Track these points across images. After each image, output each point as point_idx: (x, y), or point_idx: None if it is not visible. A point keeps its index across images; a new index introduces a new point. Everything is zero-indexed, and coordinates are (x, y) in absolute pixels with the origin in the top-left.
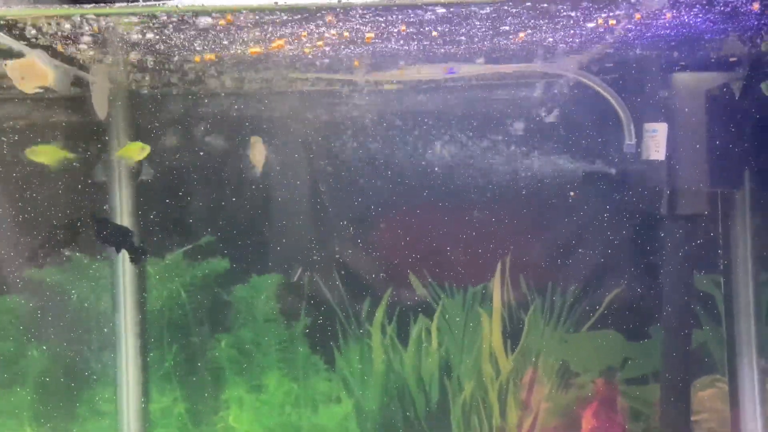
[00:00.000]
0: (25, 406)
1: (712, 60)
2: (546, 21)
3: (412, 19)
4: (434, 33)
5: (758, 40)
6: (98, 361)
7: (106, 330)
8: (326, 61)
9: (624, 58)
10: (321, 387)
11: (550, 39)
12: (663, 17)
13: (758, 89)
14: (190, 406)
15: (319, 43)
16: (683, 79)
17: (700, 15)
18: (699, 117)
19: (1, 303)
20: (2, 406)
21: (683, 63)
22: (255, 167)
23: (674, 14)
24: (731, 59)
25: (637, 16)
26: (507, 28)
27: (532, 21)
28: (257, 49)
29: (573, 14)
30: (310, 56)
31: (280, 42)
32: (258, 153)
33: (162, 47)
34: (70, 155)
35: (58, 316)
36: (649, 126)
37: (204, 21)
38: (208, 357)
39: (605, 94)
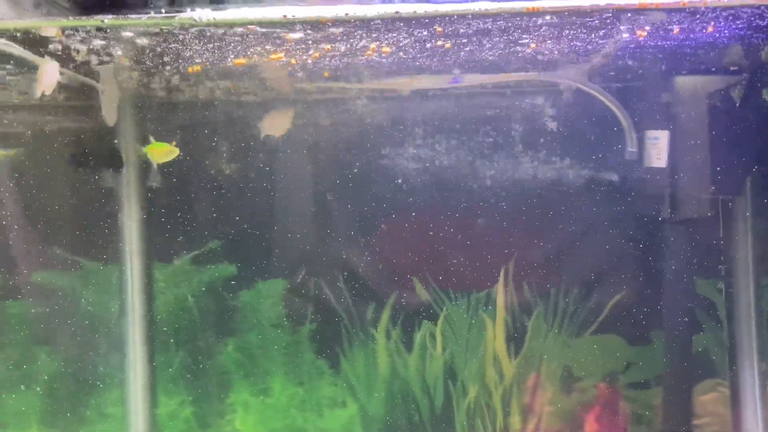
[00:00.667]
0: (34, 409)
1: (716, 67)
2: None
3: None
4: (447, 45)
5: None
6: (106, 365)
7: (113, 334)
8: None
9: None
10: (326, 391)
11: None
12: (705, 30)
13: (760, 96)
14: (196, 409)
15: (315, 54)
16: (685, 83)
17: (741, 27)
18: (700, 123)
19: (9, 307)
20: (10, 409)
21: (686, 71)
22: (271, 134)
23: (718, 26)
24: (732, 67)
25: (676, 30)
26: (526, 39)
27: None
28: (242, 60)
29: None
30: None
31: (280, 54)
32: (282, 121)
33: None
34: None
35: (67, 320)
36: (650, 133)
37: (295, 35)
38: (215, 361)
39: (608, 102)
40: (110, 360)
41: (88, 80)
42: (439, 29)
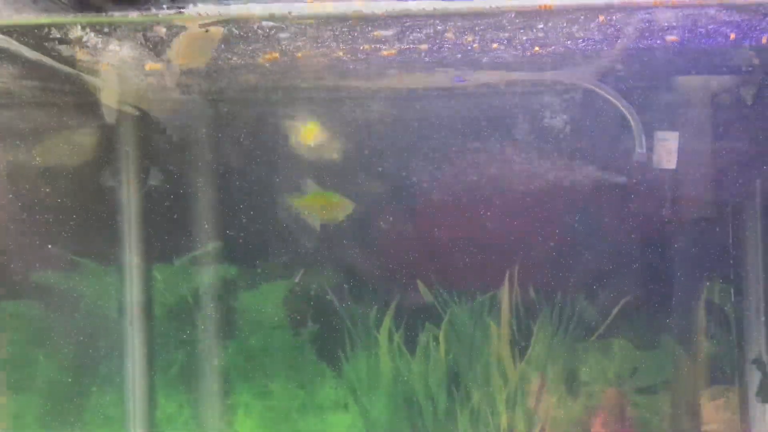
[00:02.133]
0: (32, 410)
1: (727, 65)
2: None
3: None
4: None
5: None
6: (105, 366)
7: (113, 335)
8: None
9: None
10: (327, 394)
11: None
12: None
13: None
14: (196, 411)
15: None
16: (692, 83)
17: None
18: (709, 123)
19: (8, 308)
20: (9, 410)
21: (696, 70)
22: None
23: None
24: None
25: (732, 35)
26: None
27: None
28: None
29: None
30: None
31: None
32: (310, 134)
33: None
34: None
35: (66, 321)
36: (660, 134)
37: (385, 33)
38: (215, 363)
39: (617, 103)
40: (109, 362)
41: (88, 77)
42: (603, 18)
